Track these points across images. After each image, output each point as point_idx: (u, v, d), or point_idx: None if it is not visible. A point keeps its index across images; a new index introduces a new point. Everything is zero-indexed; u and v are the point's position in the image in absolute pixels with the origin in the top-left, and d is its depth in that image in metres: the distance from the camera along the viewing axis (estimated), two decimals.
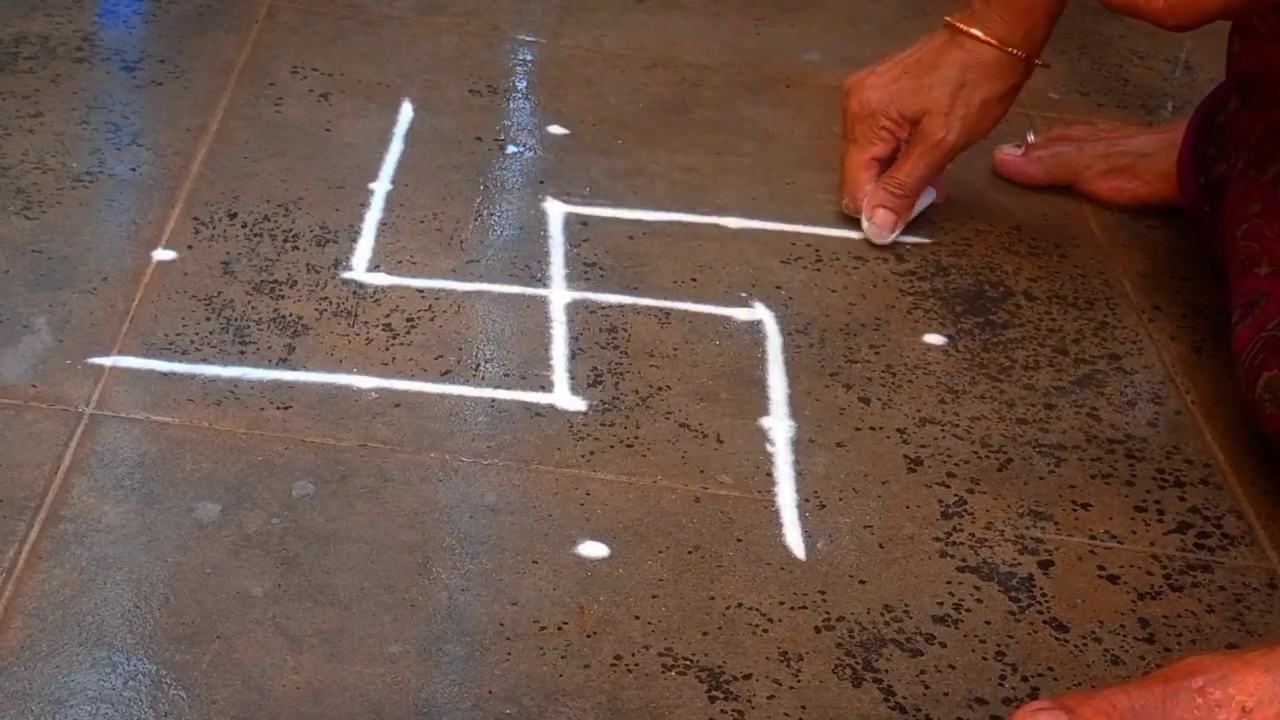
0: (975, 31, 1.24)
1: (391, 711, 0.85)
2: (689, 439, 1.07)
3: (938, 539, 1.01)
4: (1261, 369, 1.07)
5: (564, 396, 1.09)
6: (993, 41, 1.24)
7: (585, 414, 1.07)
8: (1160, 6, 1.06)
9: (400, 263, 1.19)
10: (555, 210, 1.28)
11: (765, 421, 1.09)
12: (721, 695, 0.88)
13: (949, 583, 0.98)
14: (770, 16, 1.65)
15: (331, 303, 1.14)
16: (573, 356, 1.12)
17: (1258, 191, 1.18)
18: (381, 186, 1.28)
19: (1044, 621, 0.97)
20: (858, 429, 1.10)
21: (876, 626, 0.94)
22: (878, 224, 1.28)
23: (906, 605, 0.96)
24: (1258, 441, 1.11)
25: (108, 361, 1.06)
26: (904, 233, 1.31)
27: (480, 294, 1.17)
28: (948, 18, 1.26)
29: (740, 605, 0.94)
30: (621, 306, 1.18)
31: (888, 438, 1.09)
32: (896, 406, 1.12)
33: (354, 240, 1.21)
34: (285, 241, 1.20)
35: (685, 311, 1.19)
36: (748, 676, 0.90)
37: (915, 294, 1.24)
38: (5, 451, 0.97)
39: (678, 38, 1.58)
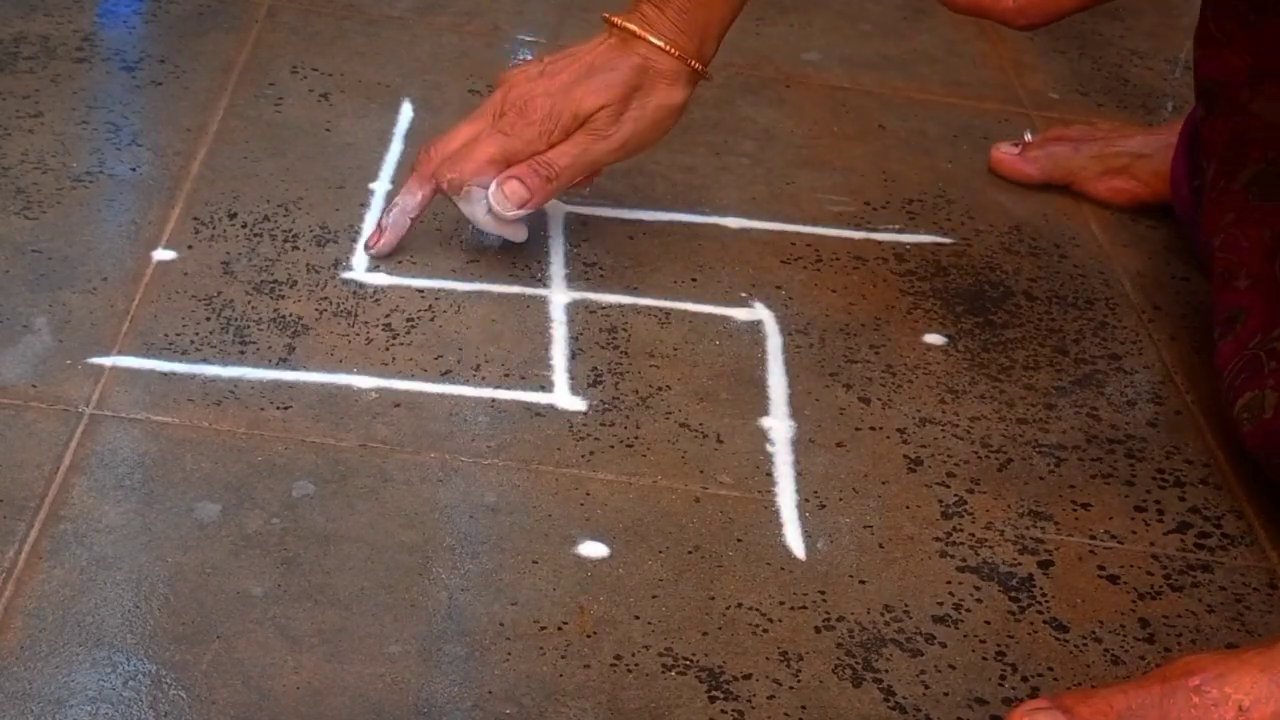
0: (653, 39, 1.16)
1: (391, 711, 0.85)
2: (689, 439, 1.07)
3: (938, 539, 1.01)
4: (1243, 388, 1.07)
5: (564, 396, 1.09)
6: (673, 51, 1.16)
7: (585, 414, 1.07)
8: (1009, 6, 1.04)
9: (400, 263, 1.19)
10: (555, 210, 1.28)
11: (765, 421, 1.09)
12: (721, 695, 0.88)
13: (949, 583, 0.98)
14: (770, 16, 1.65)
15: (331, 303, 1.14)
16: (573, 356, 1.12)
17: (1230, 199, 1.17)
18: (381, 186, 1.28)
19: (1044, 621, 0.97)
20: (858, 429, 1.10)
21: (876, 626, 0.94)
22: (507, 193, 1.15)
23: (906, 605, 0.96)
24: None
25: (108, 361, 1.06)
26: (906, 232, 1.31)
27: (480, 294, 1.18)
28: (615, 19, 1.17)
29: (740, 605, 0.94)
30: (621, 306, 1.18)
31: (888, 438, 1.09)
32: (896, 406, 1.12)
33: (354, 240, 1.21)
34: (285, 241, 1.20)
35: (685, 311, 1.19)
36: (748, 676, 0.90)
37: (915, 294, 1.24)
38: (5, 451, 0.97)
39: None
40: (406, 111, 1.38)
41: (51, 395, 1.02)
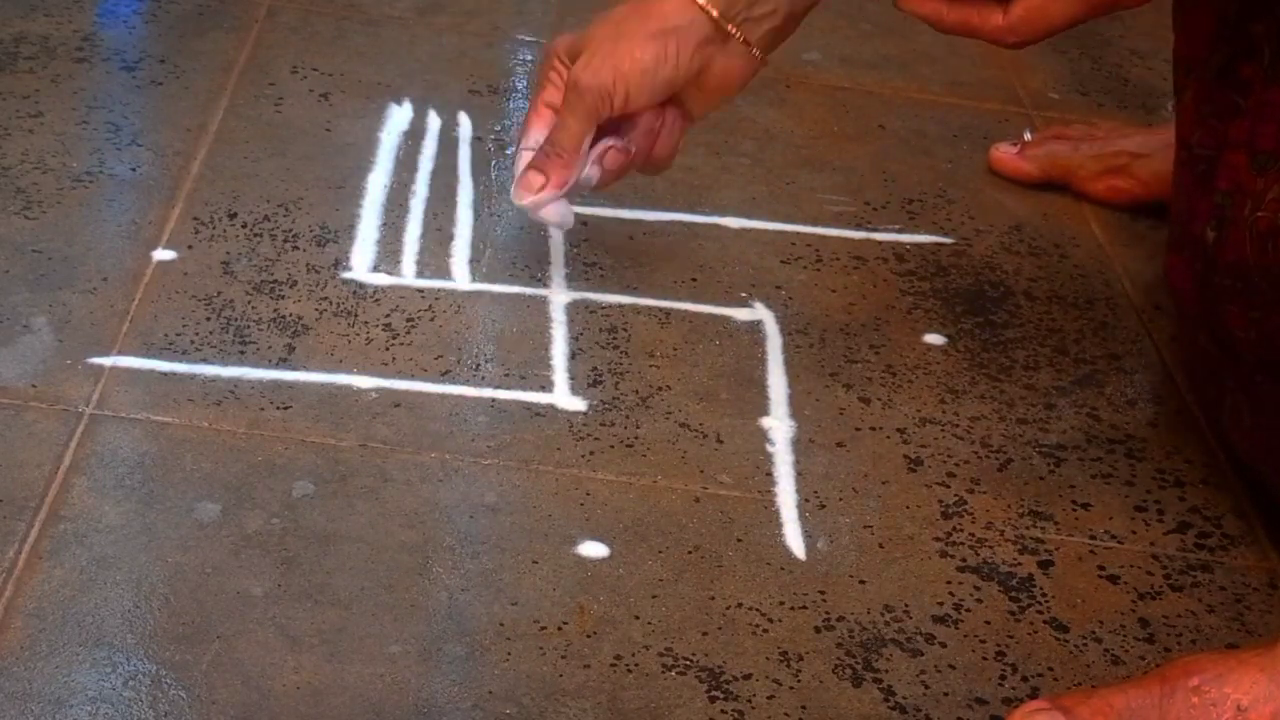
0: None
1: (391, 711, 0.85)
2: (689, 439, 1.07)
3: (938, 539, 1.02)
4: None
5: (564, 396, 1.09)
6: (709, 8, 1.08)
7: (585, 414, 1.07)
8: (999, 25, 1.02)
9: (400, 263, 1.19)
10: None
11: (765, 421, 1.09)
12: (721, 695, 0.88)
13: (949, 583, 0.98)
14: None
15: (331, 303, 1.14)
16: (573, 356, 1.12)
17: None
18: (382, 186, 1.28)
19: (1044, 621, 0.97)
20: (858, 429, 1.10)
21: (876, 626, 0.94)
22: (518, 184, 1.10)
23: (906, 605, 0.96)
24: None
25: (108, 361, 1.06)
26: (906, 232, 1.31)
27: (480, 294, 1.18)
28: None
29: (740, 605, 0.94)
30: (621, 306, 1.18)
31: (888, 438, 1.09)
32: (896, 406, 1.12)
33: (354, 240, 1.21)
34: (285, 241, 1.20)
35: (685, 311, 1.19)
36: (748, 676, 0.90)
37: (915, 294, 1.24)
38: (5, 451, 0.98)
39: None
40: (406, 111, 1.38)
41: (51, 395, 1.02)
